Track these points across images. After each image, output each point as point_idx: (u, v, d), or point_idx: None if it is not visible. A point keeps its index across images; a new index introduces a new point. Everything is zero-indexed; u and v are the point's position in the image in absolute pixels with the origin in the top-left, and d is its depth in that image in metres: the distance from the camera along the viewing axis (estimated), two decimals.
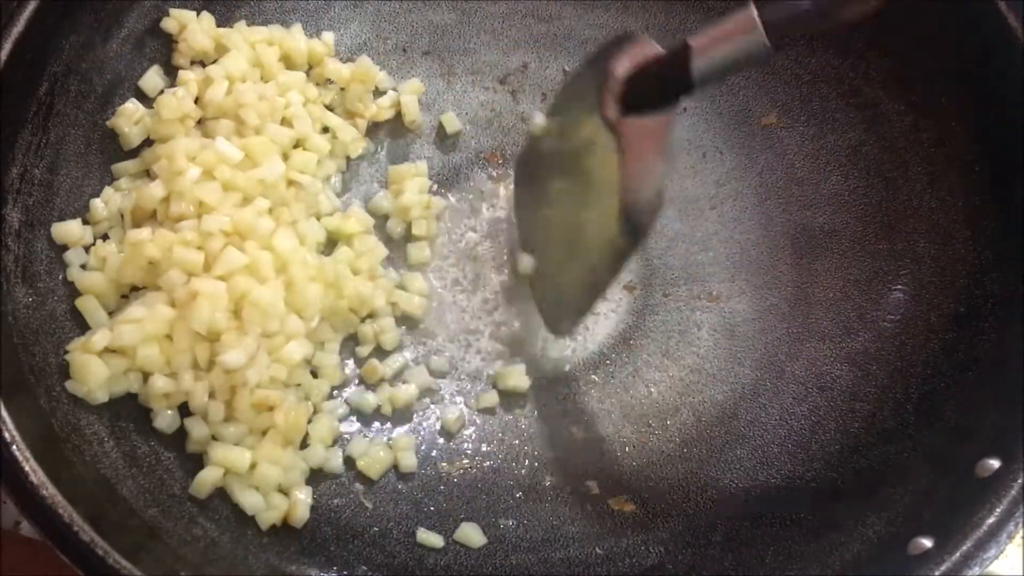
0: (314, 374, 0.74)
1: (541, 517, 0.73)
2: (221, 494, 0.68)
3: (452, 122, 0.86)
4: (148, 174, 0.74)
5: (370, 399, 0.75)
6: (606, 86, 0.65)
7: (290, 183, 0.76)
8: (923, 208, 0.77)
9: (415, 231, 0.81)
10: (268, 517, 0.67)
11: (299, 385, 0.72)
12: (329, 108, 0.83)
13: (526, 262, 0.79)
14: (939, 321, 0.73)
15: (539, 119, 0.81)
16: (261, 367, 0.67)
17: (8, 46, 0.66)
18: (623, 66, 0.64)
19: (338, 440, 0.74)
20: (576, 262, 0.72)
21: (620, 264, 0.68)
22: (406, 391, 0.76)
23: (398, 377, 0.77)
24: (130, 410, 0.68)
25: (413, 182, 0.82)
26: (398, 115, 0.86)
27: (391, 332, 0.77)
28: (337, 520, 0.71)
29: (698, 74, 0.60)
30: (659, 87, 0.63)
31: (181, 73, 0.76)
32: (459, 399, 0.78)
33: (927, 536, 0.60)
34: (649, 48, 0.65)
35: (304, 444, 0.71)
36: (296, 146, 0.78)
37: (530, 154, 0.80)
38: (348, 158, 0.83)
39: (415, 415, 0.76)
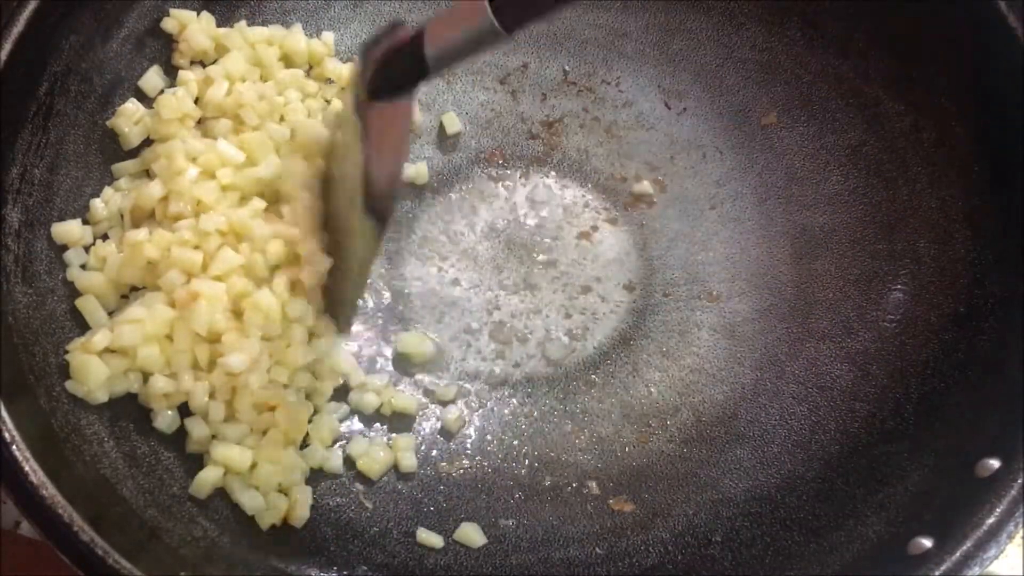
0: (315, 374, 0.74)
1: (541, 517, 0.73)
2: (221, 494, 0.68)
3: (453, 122, 0.86)
4: (148, 174, 0.74)
5: (371, 399, 0.75)
6: (359, 71, 0.65)
7: None
8: (923, 208, 0.77)
9: None
10: (268, 517, 0.67)
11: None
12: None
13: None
14: (939, 321, 0.73)
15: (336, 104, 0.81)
16: (263, 369, 0.67)
17: (8, 46, 0.66)
18: (376, 51, 0.64)
19: (338, 440, 0.74)
20: (343, 252, 0.71)
21: (372, 253, 0.68)
22: (406, 393, 0.76)
23: (397, 383, 0.78)
24: (130, 410, 0.68)
25: None
26: None
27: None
28: (337, 520, 0.71)
29: (432, 59, 0.60)
30: (400, 72, 0.63)
31: (181, 73, 0.76)
32: (459, 399, 0.78)
33: (927, 536, 0.60)
34: (403, 33, 0.64)
35: (304, 444, 0.71)
36: None
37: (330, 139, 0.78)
38: None
39: (415, 415, 0.76)
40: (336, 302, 0.72)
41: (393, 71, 0.63)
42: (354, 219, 0.66)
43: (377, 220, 0.65)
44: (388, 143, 0.63)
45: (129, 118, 0.74)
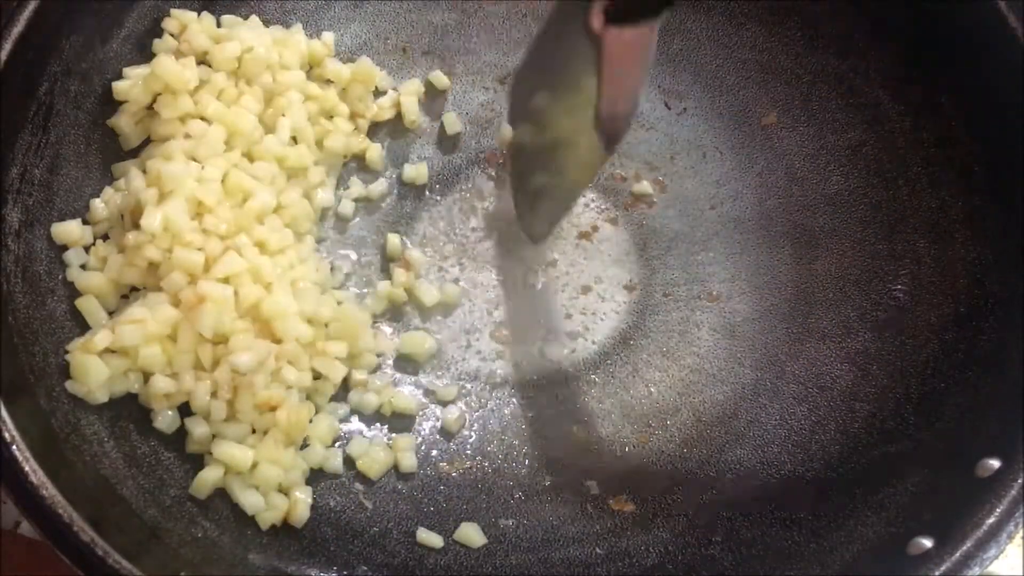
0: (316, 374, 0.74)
1: (541, 517, 0.73)
2: (221, 494, 0.68)
3: (453, 123, 0.86)
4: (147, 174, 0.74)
5: (371, 400, 0.75)
6: None
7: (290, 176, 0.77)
8: (923, 208, 0.77)
9: None
10: (268, 517, 0.67)
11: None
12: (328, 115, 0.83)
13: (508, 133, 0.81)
14: (939, 321, 0.73)
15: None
16: (268, 370, 0.67)
17: (8, 46, 0.66)
18: None
19: (338, 440, 0.74)
20: (553, 170, 0.73)
21: (594, 173, 0.71)
22: (406, 393, 0.76)
23: (397, 383, 0.78)
24: (130, 410, 0.68)
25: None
26: (398, 115, 0.86)
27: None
28: (337, 520, 0.71)
29: None
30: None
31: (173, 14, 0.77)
32: (459, 399, 0.78)
33: (927, 536, 0.60)
34: None
35: (304, 444, 0.71)
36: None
37: (524, 69, 0.79)
38: (346, 157, 0.84)
39: (415, 415, 0.76)
40: (534, 216, 0.76)
41: None
42: (581, 139, 0.66)
43: (607, 144, 0.66)
44: (627, 69, 0.63)
45: (133, 85, 0.74)
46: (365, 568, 0.68)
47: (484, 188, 0.85)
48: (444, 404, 0.77)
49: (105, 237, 0.72)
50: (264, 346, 0.67)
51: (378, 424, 0.76)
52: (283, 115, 0.77)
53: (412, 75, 0.87)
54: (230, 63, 0.76)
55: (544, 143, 0.75)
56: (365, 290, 0.80)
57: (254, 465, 0.67)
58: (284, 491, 0.69)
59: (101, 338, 0.65)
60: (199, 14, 0.79)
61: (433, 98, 0.88)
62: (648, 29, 0.63)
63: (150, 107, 0.75)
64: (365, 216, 0.83)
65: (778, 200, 0.84)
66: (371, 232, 0.82)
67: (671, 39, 0.88)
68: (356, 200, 0.83)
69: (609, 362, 0.80)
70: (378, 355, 0.77)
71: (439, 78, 0.87)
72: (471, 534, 0.71)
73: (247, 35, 0.77)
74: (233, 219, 0.70)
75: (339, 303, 0.76)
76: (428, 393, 0.78)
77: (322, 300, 0.74)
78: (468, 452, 0.76)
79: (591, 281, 0.82)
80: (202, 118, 0.74)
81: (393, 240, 0.81)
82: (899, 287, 0.77)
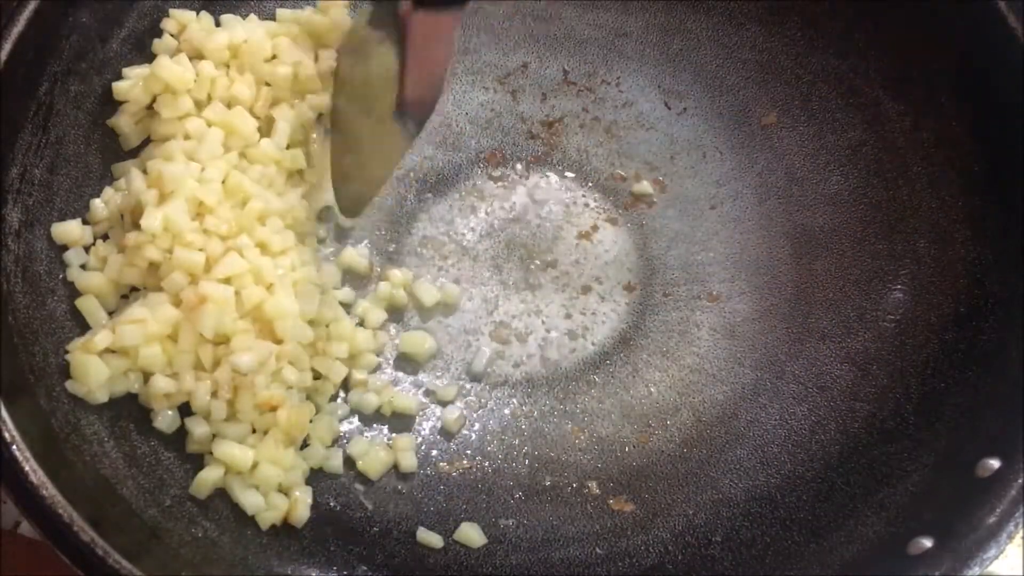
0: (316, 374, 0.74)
1: (541, 517, 0.73)
2: (221, 494, 0.68)
3: None
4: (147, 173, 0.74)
5: (371, 399, 0.75)
6: None
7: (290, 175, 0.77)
8: (923, 208, 0.77)
9: None
10: (268, 517, 0.67)
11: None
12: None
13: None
14: (939, 321, 0.73)
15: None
16: (269, 370, 0.67)
17: (8, 46, 0.66)
18: None
19: (338, 440, 0.74)
20: (364, 151, 0.74)
21: (399, 155, 0.72)
22: (406, 393, 0.77)
23: (397, 383, 0.78)
24: (130, 410, 0.68)
25: None
26: None
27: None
28: (337, 520, 0.71)
29: None
30: None
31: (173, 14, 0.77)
32: (459, 399, 0.78)
33: (927, 536, 0.60)
34: None
35: (304, 444, 0.71)
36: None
37: (350, 43, 0.79)
38: None
39: (415, 415, 0.76)
40: (349, 193, 0.76)
41: None
42: (384, 123, 0.67)
43: (412, 124, 0.66)
44: (431, 52, 0.64)
45: (134, 84, 0.74)
46: (365, 568, 0.68)
47: (484, 188, 0.85)
48: (444, 404, 0.77)
49: (105, 237, 0.72)
50: (265, 347, 0.67)
51: (378, 424, 0.76)
52: (280, 119, 0.77)
53: None
54: (220, 53, 0.75)
55: (357, 110, 0.75)
56: (369, 287, 0.80)
57: (254, 465, 0.67)
58: (284, 491, 0.69)
59: (101, 338, 0.65)
60: (198, 14, 0.79)
61: None
62: (452, 16, 0.65)
63: (150, 107, 0.75)
64: (365, 216, 0.83)
65: (778, 200, 0.84)
66: (372, 232, 0.82)
67: (671, 39, 0.89)
68: None
69: (609, 362, 0.80)
70: (378, 355, 0.77)
71: None
72: (471, 534, 0.71)
73: (240, 29, 0.77)
74: (234, 220, 0.70)
75: (341, 303, 0.76)
76: (428, 393, 0.78)
77: (324, 301, 0.74)
78: (468, 452, 0.76)
79: (591, 281, 0.83)
80: (204, 119, 0.74)
81: (350, 256, 0.80)
82: (899, 287, 0.77)
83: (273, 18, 0.82)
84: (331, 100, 0.78)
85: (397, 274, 0.80)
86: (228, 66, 0.77)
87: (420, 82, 0.64)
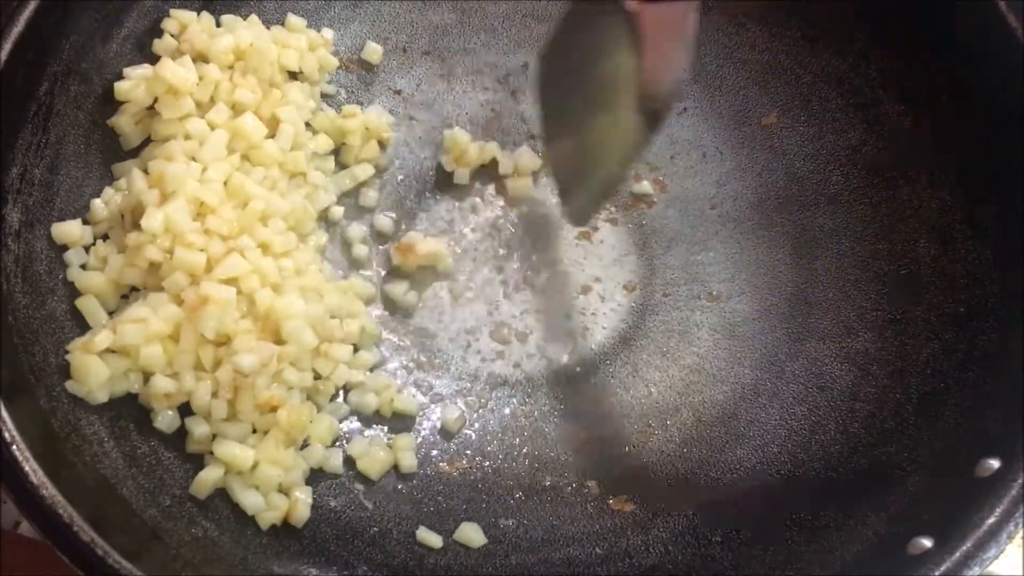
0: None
1: (541, 517, 0.73)
2: (221, 494, 0.68)
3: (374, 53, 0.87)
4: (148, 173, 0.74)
5: (371, 399, 0.75)
6: None
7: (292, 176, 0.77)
8: (923, 208, 0.77)
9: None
10: (268, 517, 0.67)
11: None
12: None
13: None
14: (939, 321, 0.73)
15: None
16: (271, 371, 0.67)
17: (8, 46, 0.66)
18: None
19: (338, 440, 0.74)
20: (594, 152, 0.72)
21: (637, 152, 0.69)
22: (406, 394, 0.77)
23: (397, 383, 0.78)
24: (130, 410, 0.68)
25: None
26: None
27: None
28: (337, 520, 0.71)
29: None
30: None
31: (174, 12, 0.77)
32: (459, 399, 0.78)
33: (927, 536, 0.60)
34: None
35: (304, 444, 0.71)
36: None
37: (552, 48, 0.77)
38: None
39: (415, 415, 0.76)
40: (577, 197, 0.74)
41: None
42: (621, 119, 0.65)
43: (651, 120, 0.64)
44: (670, 44, 0.62)
45: (135, 86, 0.74)
46: (365, 568, 0.68)
47: (484, 188, 0.85)
48: (444, 404, 0.77)
49: (105, 237, 0.72)
50: (267, 348, 0.67)
51: (378, 424, 0.76)
52: (284, 122, 0.77)
53: (412, 75, 0.88)
54: (225, 56, 0.75)
55: (582, 136, 0.73)
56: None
57: (254, 465, 0.67)
58: (284, 491, 0.69)
59: (102, 338, 0.65)
60: (199, 14, 0.79)
61: (433, 98, 0.88)
62: (685, 5, 0.62)
63: (150, 107, 0.75)
64: (366, 216, 0.83)
65: (778, 200, 0.84)
66: (372, 232, 0.82)
67: None
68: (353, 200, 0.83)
69: (609, 362, 0.80)
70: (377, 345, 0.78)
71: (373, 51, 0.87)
72: (471, 534, 0.71)
73: (244, 32, 0.77)
74: (236, 220, 0.70)
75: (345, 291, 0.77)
76: (428, 393, 0.78)
77: (327, 291, 0.74)
78: (468, 452, 0.76)
79: (591, 281, 0.83)
80: (207, 121, 0.74)
81: (382, 222, 0.82)
82: (899, 287, 0.77)
83: (273, 20, 0.82)
84: (540, 109, 0.76)
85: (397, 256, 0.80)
86: (232, 68, 0.77)
87: (660, 75, 0.62)
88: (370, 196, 0.83)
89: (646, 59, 0.61)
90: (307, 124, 0.81)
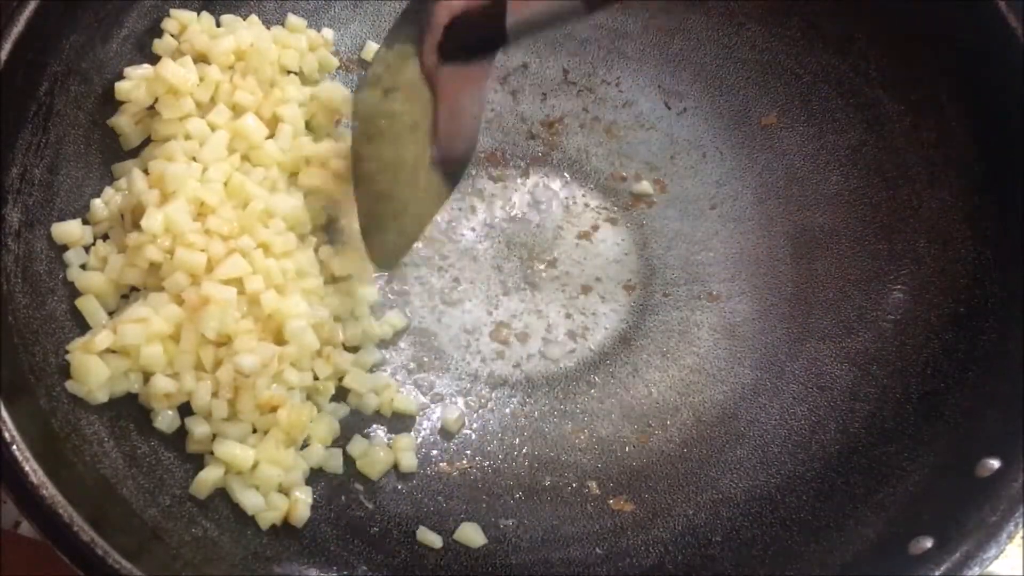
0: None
1: (541, 517, 0.73)
2: (221, 494, 0.68)
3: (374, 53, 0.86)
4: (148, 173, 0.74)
5: (371, 400, 0.75)
6: (426, 33, 0.64)
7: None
8: (923, 208, 0.77)
9: None
10: (268, 517, 0.67)
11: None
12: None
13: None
14: (939, 321, 0.73)
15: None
16: (271, 372, 0.67)
17: (8, 46, 0.66)
18: (443, 14, 0.63)
19: (338, 440, 0.74)
20: (397, 204, 0.72)
21: (436, 208, 0.70)
22: (406, 393, 0.77)
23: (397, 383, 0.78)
24: (130, 410, 0.68)
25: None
26: None
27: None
28: (337, 520, 0.71)
29: (512, 28, 0.61)
30: (477, 37, 0.63)
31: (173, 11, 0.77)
32: (459, 399, 0.78)
33: (927, 536, 0.60)
34: None
35: (304, 444, 0.71)
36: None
37: (365, 87, 0.79)
38: None
39: (415, 415, 0.76)
40: (382, 245, 0.74)
41: (468, 35, 0.63)
42: (418, 174, 0.65)
43: (447, 178, 0.65)
44: (462, 105, 0.63)
45: (137, 86, 0.74)
46: (365, 568, 0.68)
47: (484, 188, 0.85)
48: (444, 404, 0.77)
49: (105, 237, 0.72)
50: (268, 348, 0.67)
51: (378, 424, 0.76)
52: (283, 121, 0.77)
53: None
54: (226, 57, 0.76)
55: (388, 159, 0.73)
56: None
57: (254, 465, 0.67)
58: (284, 491, 0.69)
59: (102, 338, 0.65)
60: (199, 14, 0.79)
61: None
62: (482, 66, 0.64)
63: (151, 107, 0.75)
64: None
65: (778, 200, 0.84)
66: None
67: (671, 39, 0.89)
68: None
69: (609, 362, 0.80)
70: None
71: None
72: (471, 534, 0.71)
73: (245, 33, 0.77)
74: (236, 220, 0.70)
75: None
76: (428, 393, 0.78)
77: (328, 292, 0.75)
78: (468, 452, 0.76)
79: (591, 281, 0.83)
80: (208, 123, 0.74)
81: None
82: (899, 287, 0.77)
83: (273, 20, 0.82)
84: (353, 147, 0.76)
85: None
86: (232, 68, 0.77)
87: (453, 137, 0.63)
88: None
89: (441, 120, 0.63)
90: (307, 125, 0.81)
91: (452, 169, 0.65)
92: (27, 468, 0.57)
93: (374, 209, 0.74)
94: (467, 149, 0.65)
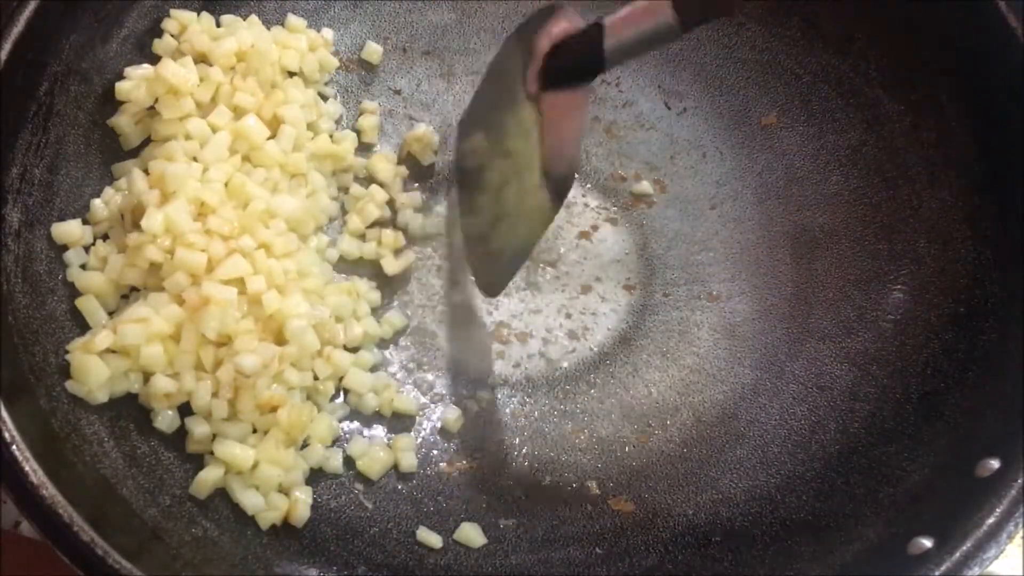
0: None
1: (541, 517, 0.73)
2: (221, 494, 0.68)
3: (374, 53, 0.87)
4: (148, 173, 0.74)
5: (371, 400, 0.75)
6: (530, 62, 0.68)
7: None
8: (923, 208, 0.77)
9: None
10: (268, 517, 0.67)
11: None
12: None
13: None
14: (939, 321, 0.73)
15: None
16: (272, 372, 0.67)
17: (8, 46, 0.66)
18: (543, 40, 0.67)
19: (338, 440, 0.74)
20: (505, 228, 0.75)
21: (544, 228, 0.71)
22: (406, 393, 0.77)
23: (397, 383, 0.78)
24: (130, 410, 0.68)
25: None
26: None
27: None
28: (337, 520, 0.71)
29: (609, 53, 0.64)
30: (576, 63, 0.66)
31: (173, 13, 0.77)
32: (459, 399, 0.78)
33: (927, 536, 0.60)
34: (569, 23, 0.68)
35: (304, 444, 0.71)
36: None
37: (470, 119, 0.83)
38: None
39: (415, 415, 0.76)
40: (489, 271, 0.77)
41: (568, 62, 0.67)
42: (528, 197, 0.69)
43: (555, 199, 0.68)
44: (566, 128, 0.67)
45: (137, 85, 0.74)
46: (365, 568, 0.68)
47: None
48: (444, 404, 0.77)
49: (105, 237, 0.72)
50: (269, 348, 0.67)
51: (378, 424, 0.76)
52: (285, 123, 0.77)
53: (411, 74, 0.87)
54: (227, 58, 0.76)
55: (494, 203, 0.76)
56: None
57: (254, 465, 0.67)
58: (284, 491, 0.69)
59: (102, 338, 0.65)
60: (199, 14, 0.79)
61: (433, 98, 0.88)
62: (583, 92, 0.68)
63: (151, 107, 0.75)
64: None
65: (778, 200, 0.84)
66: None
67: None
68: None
69: (609, 362, 0.80)
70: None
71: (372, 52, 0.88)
72: (471, 534, 0.71)
73: (246, 34, 0.77)
74: (237, 220, 0.70)
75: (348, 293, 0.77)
76: (428, 393, 0.78)
77: (329, 293, 0.75)
78: (468, 452, 0.76)
79: (591, 281, 0.83)
80: (209, 124, 0.74)
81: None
82: (899, 287, 0.77)
83: (273, 20, 0.82)
84: (457, 180, 0.80)
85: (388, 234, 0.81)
86: (233, 69, 0.77)
87: (559, 157, 0.66)
88: None
89: (545, 143, 0.66)
90: (308, 125, 0.81)
91: (559, 188, 0.68)
92: (27, 468, 0.57)
93: (487, 234, 0.77)
94: (572, 167, 0.69)
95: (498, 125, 0.74)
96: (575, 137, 0.68)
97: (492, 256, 0.76)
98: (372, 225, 0.82)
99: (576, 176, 0.74)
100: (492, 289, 0.78)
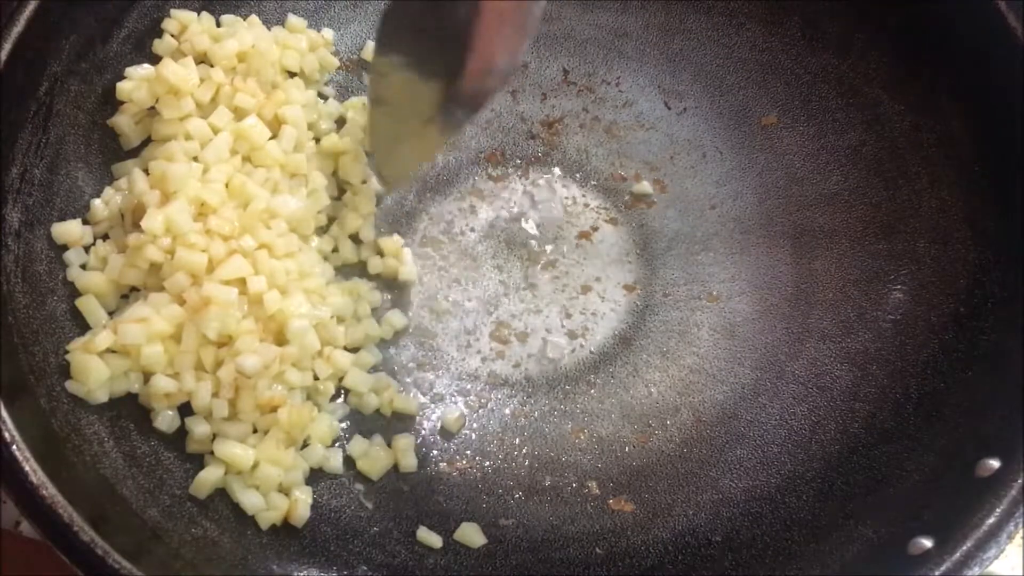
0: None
1: (541, 517, 0.73)
2: (221, 494, 0.68)
3: None
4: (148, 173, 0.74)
5: (371, 400, 0.75)
6: None
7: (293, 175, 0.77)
8: (923, 208, 0.77)
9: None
10: (268, 517, 0.67)
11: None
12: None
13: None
14: (939, 321, 0.73)
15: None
16: (273, 372, 0.67)
17: (8, 46, 0.66)
18: None
19: (338, 440, 0.74)
20: (414, 121, 0.69)
21: (447, 135, 0.67)
22: (406, 393, 0.77)
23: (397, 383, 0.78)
24: (130, 410, 0.68)
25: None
26: None
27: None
28: (337, 520, 0.71)
29: None
30: None
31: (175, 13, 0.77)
32: (459, 399, 0.78)
33: (927, 536, 0.60)
34: None
35: (304, 444, 0.71)
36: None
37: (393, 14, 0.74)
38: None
39: (415, 415, 0.76)
40: (386, 164, 0.74)
41: None
42: (434, 99, 0.63)
43: (465, 108, 0.63)
44: (500, 41, 0.59)
45: (137, 84, 0.74)
46: (365, 568, 0.68)
47: (484, 188, 0.85)
48: (444, 404, 0.77)
49: (105, 237, 0.72)
50: (270, 349, 0.67)
51: (378, 424, 0.76)
52: (286, 123, 0.77)
53: None
54: (228, 59, 0.76)
55: (407, 92, 0.70)
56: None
57: (254, 465, 0.68)
58: (284, 491, 0.69)
59: (102, 338, 0.65)
60: (199, 14, 0.79)
61: None
62: (531, 2, 0.59)
63: (151, 107, 0.75)
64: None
65: (778, 200, 0.84)
66: (372, 232, 0.82)
67: (671, 39, 0.89)
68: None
69: (609, 362, 0.80)
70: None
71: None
72: (471, 534, 0.71)
73: (246, 34, 0.77)
74: (237, 220, 0.70)
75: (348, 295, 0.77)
76: (428, 393, 0.78)
77: (330, 293, 0.75)
78: (468, 452, 0.76)
79: (591, 281, 0.83)
80: (210, 125, 0.74)
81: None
82: (899, 287, 0.77)
83: (273, 20, 0.82)
84: (374, 65, 0.76)
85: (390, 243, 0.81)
86: (233, 70, 0.77)
87: (482, 73, 0.60)
88: None
89: (471, 54, 0.59)
90: (308, 125, 0.81)
91: (470, 106, 0.62)
92: (27, 468, 0.57)
93: (388, 132, 0.74)
94: (493, 86, 0.61)
95: (427, 21, 0.67)
96: (510, 54, 0.60)
97: (394, 147, 0.74)
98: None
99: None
100: (387, 181, 0.78)
